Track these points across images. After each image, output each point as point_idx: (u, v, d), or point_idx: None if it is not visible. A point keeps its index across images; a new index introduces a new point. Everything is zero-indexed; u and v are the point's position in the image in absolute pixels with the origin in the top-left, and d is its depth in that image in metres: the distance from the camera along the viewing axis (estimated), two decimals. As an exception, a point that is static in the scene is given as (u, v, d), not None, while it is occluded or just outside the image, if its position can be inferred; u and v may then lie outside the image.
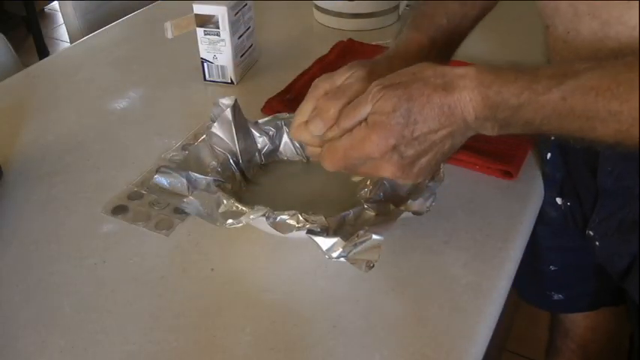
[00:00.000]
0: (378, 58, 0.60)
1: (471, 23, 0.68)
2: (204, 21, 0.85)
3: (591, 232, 0.68)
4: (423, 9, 0.67)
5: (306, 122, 0.53)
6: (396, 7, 1.08)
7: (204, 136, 0.64)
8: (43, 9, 3.25)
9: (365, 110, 0.49)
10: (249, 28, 0.91)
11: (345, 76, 0.54)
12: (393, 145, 0.48)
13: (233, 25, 0.86)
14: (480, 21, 0.68)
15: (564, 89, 0.44)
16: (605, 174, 0.63)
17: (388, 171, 0.50)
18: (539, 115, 0.45)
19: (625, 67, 0.43)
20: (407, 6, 1.09)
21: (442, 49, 0.65)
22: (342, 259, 0.50)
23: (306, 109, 0.54)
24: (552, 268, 0.83)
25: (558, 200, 0.74)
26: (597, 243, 0.68)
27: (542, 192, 0.70)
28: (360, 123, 0.49)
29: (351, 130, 0.50)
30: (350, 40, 1.00)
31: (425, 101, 0.47)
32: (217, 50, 0.87)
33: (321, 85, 0.54)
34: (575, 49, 0.54)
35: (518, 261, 0.61)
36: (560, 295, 0.85)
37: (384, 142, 0.48)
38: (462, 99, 0.47)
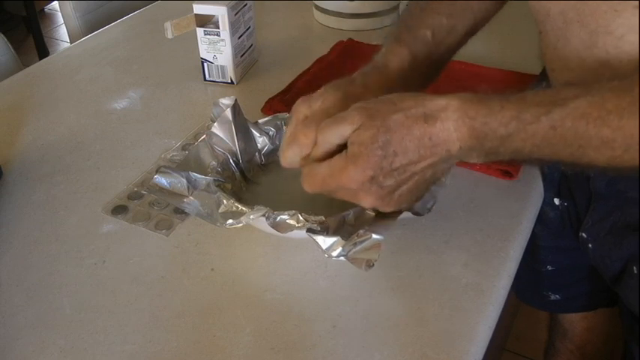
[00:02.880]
0: (355, 76, 0.59)
1: (460, 38, 0.65)
2: (204, 21, 0.85)
3: (584, 235, 0.68)
4: (407, 21, 0.65)
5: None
6: (396, 7, 1.08)
7: (204, 136, 0.64)
8: (43, 9, 3.25)
9: (344, 129, 0.48)
10: (249, 28, 0.92)
11: (319, 99, 0.54)
12: (370, 177, 0.47)
13: (233, 25, 0.86)
14: (470, 37, 0.66)
15: (553, 118, 0.43)
16: (598, 177, 0.64)
17: (366, 201, 0.49)
18: (528, 144, 0.44)
19: (612, 94, 0.42)
20: (407, 6, 1.09)
21: (424, 64, 0.62)
22: (341, 258, 0.50)
23: (287, 133, 0.54)
24: (549, 268, 0.83)
25: (556, 201, 0.74)
26: (590, 245, 0.68)
27: (542, 192, 0.70)
28: (338, 146, 0.49)
29: (330, 153, 0.49)
30: (350, 40, 1.00)
31: (405, 133, 0.46)
32: (217, 50, 0.87)
33: (300, 110, 0.54)
34: (565, 57, 0.54)
35: (519, 261, 0.61)
36: (557, 296, 0.85)
37: (361, 174, 0.47)
38: (445, 130, 0.46)
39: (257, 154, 0.68)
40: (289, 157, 0.53)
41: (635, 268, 0.61)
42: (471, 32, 0.66)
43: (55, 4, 3.21)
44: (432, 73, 0.65)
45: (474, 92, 0.47)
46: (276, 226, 0.53)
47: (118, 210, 0.66)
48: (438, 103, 0.47)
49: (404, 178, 0.48)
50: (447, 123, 0.46)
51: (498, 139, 0.45)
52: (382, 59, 0.61)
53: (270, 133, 0.68)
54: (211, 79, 0.90)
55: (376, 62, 0.61)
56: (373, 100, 0.49)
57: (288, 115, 0.68)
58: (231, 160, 0.64)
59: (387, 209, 0.50)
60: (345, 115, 0.48)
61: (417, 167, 0.47)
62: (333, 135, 0.49)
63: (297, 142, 0.52)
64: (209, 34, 0.86)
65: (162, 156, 0.75)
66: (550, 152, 0.45)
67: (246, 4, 0.89)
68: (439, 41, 0.63)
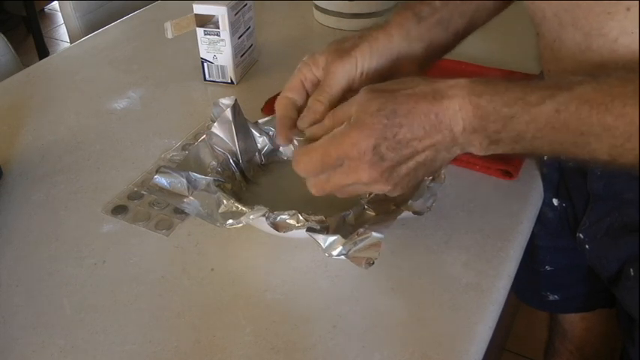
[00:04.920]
0: (357, 37, 0.57)
1: (466, 22, 0.63)
2: (204, 21, 0.85)
3: (581, 235, 0.68)
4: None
5: (289, 97, 0.56)
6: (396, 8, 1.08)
7: (204, 136, 0.64)
8: (43, 9, 3.25)
9: (351, 111, 0.48)
10: (249, 28, 0.92)
11: (323, 52, 0.55)
12: (373, 145, 0.46)
13: (233, 25, 0.86)
14: (468, 35, 0.64)
15: (558, 101, 0.43)
16: (594, 178, 0.64)
17: (366, 173, 0.47)
18: (531, 127, 0.44)
19: (618, 81, 0.42)
20: None
21: (431, 30, 0.60)
22: (342, 256, 0.50)
23: (290, 82, 0.56)
24: (548, 268, 0.83)
25: (555, 201, 0.74)
26: (587, 246, 0.68)
27: (542, 192, 0.70)
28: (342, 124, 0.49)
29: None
30: (350, 40, 1.00)
31: (412, 106, 0.46)
32: (217, 50, 0.87)
33: (305, 62, 0.56)
34: (561, 59, 0.54)
35: (519, 261, 0.61)
36: (555, 296, 0.85)
37: (365, 141, 0.46)
38: (451, 107, 0.46)
39: (257, 154, 0.68)
40: (300, 125, 0.54)
41: (631, 270, 0.61)
42: (469, 29, 0.65)
43: (55, 4, 3.21)
44: (429, 53, 0.61)
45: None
46: (276, 226, 0.53)
47: (118, 210, 0.66)
48: (447, 82, 0.47)
49: (405, 155, 0.47)
50: (454, 101, 0.46)
51: (502, 119, 0.44)
52: (385, 21, 0.60)
53: (270, 133, 0.68)
54: (211, 79, 0.90)
55: (377, 25, 0.60)
56: (384, 83, 0.49)
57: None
58: (231, 160, 0.64)
59: (384, 188, 0.49)
60: (352, 99, 0.49)
61: (420, 145, 0.47)
62: (344, 114, 0.49)
63: (311, 109, 0.53)
64: (209, 34, 0.86)
65: (162, 156, 0.75)
66: (552, 139, 0.44)
67: (246, 4, 0.89)
68: (445, 15, 0.61)
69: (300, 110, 0.56)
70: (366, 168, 0.47)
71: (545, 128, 0.43)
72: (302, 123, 0.54)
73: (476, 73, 0.86)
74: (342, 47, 0.56)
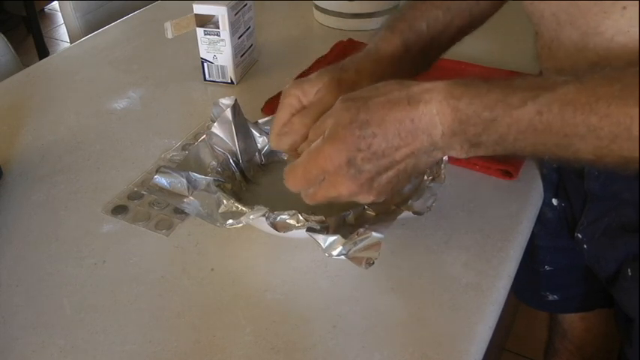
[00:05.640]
0: (346, 62, 0.58)
1: (455, 34, 0.65)
2: (204, 21, 0.85)
3: (579, 235, 0.68)
4: (405, 12, 0.64)
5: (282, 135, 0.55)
6: (396, 7, 1.08)
7: (204, 136, 0.64)
8: (43, 9, 3.25)
9: (327, 124, 0.48)
10: (249, 28, 0.92)
11: (314, 84, 0.54)
12: (347, 158, 0.45)
13: (233, 25, 0.86)
14: (465, 35, 0.66)
15: (540, 102, 0.42)
16: (592, 178, 0.64)
17: (344, 186, 0.47)
18: (513, 130, 0.43)
19: (604, 80, 0.41)
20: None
21: (417, 56, 0.62)
22: (342, 256, 0.50)
23: (280, 117, 0.55)
24: (547, 268, 0.83)
25: (554, 201, 0.74)
26: (585, 246, 0.68)
27: (542, 192, 0.70)
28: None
29: None
30: (350, 40, 1.00)
31: (385, 113, 0.45)
32: (217, 50, 0.87)
33: (293, 93, 0.55)
34: (558, 58, 0.54)
35: (519, 261, 0.61)
36: (554, 296, 0.85)
37: (337, 155, 0.46)
38: (428, 112, 0.44)
39: (257, 154, 0.68)
40: (283, 142, 0.54)
41: (629, 270, 0.61)
42: (467, 30, 0.66)
43: (55, 4, 3.21)
44: (422, 64, 0.64)
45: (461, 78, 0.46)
46: (276, 226, 0.53)
47: (118, 210, 0.66)
48: (423, 86, 0.46)
49: (383, 165, 0.46)
50: (430, 105, 0.44)
51: (482, 122, 0.43)
52: (375, 46, 0.61)
53: (270, 133, 0.68)
54: (211, 79, 0.90)
55: (369, 49, 0.61)
56: (359, 90, 0.49)
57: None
58: (231, 160, 0.64)
59: (365, 199, 0.49)
60: (330, 110, 0.48)
61: (397, 154, 0.46)
62: (322, 127, 0.49)
63: (293, 130, 0.52)
64: (209, 34, 0.86)
65: (162, 156, 0.75)
66: (535, 141, 0.43)
67: (246, 4, 0.89)
68: (433, 34, 0.63)
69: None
70: (344, 182, 0.47)
71: (528, 130, 0.42)
72: (282, 144, 0.54)
73: (476, 73, 0.87)
74: (343, 79, 0.55)
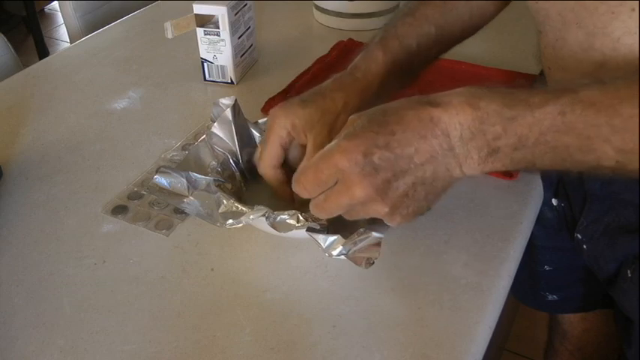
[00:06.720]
0: (332, 86, 0.59)
1: (445, 47, 0.66)
2: (204, 21, 0.85)
3: (579, 235, 0.68)
4: (397, 26, 0.64)
5: (275, 167, 0.58)
6: (396, 7, 1.08)
7: (204, 136, 0.64)
8: (43, 9, 3.25)
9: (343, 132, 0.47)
10: (249, 28, 0.92)
11: (300, 116, 0.56)
12: (363, 152, 0.44)
13: (233, 25, 0.86)
14: (456, 44, 0.67)
15: (563, 102, 0.41)
16: (591, 178, 0.63)
17: (359, 187, 0.44)
18: (534, 131, 0.41)
19: (625, 84, 0.41)
20: (404, 6, 1.09)
21: (404, 70, 0.63)
22: (342, 256, 0.50)
23: (271, 151, 0.57)
24: (547, 268, 0.83)
25: (554, 201, 0.74)
26: (585, 246, 0.68)
27: (542, 192, 0.70)
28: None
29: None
30: (350, 40, 1.00)
31: (405, 113, 0.44)
32: (217, 50, 0.87)
33: (280, 124, 0.56)
34: (562, 57, 0.54)
35: (518, 261, 0.61)
36: (554, 296, 0.85)
37: (354, 149, 0.44)
38: (447, 112, 0.44)
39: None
40: (280, 174, 0.58)
41: (628, 271, 0.61)
42: (458, 41, 0.67)
43: (55, 4, 3.21)
44: (410, 78, 0.66)
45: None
46: (275, 225, 0.53)
47: (118, 210, 0.66)
48: (442, 93, 0.45)
49: (400, 167, 0.44)
50: (451, 105, 0.44)
51: (502, 121, 0.42)
52: (363, 64, 0.61)
53: (270, 133, 0.68)
54: (211, 79, 0.90)
55: (356, 69, 0.61)
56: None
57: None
58: (231, 160, 0.64)
59: (379, 209, 0.46)
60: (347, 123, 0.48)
61: (416, 157, 0.44)
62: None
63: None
64: (209, 34, 0.86)
65: (162, 156, 0.75)
66: (555, 144, 0.42)
67: (246, 4, 0.89)
68: (423, 50, 0.64)
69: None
70: (360, 181, 0.44)
71: (549, 132, 0.41)
72: (279, 174, 0.58)
73: (476, 73, 0.87)
74: (327, 109, 0.57)
